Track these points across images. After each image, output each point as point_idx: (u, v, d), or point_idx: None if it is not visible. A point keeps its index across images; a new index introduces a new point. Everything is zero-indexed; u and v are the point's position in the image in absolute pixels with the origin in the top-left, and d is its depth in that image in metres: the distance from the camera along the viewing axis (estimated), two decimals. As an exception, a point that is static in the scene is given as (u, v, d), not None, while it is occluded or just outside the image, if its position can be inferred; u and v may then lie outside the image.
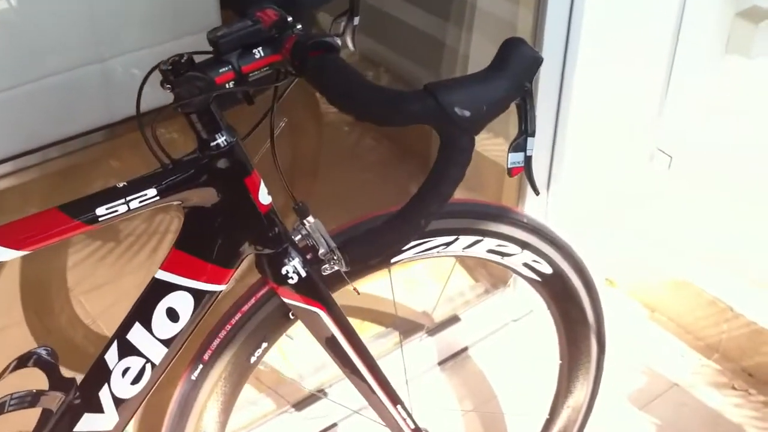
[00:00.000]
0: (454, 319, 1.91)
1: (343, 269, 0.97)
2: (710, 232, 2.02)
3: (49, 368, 1.03)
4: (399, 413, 1.23)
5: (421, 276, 2.04)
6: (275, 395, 1.71)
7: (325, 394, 1.71)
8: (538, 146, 1.74)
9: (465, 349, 1.95)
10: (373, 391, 1.19)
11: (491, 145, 1.91)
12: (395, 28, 2.54)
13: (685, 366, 1.93)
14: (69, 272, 2.06)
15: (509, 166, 0.89)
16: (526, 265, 1.27)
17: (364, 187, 2.37)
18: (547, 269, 1.29)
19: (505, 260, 1.25)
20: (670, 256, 2.02)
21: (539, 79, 1.65)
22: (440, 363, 1.93)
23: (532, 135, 0.88)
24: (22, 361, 1.02)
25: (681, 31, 1.86)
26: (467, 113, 0.81)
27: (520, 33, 1.70)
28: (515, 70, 0.84)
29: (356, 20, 1.10)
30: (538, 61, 0.84)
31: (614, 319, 1.54)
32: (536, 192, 0.94)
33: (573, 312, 1.35)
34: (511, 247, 1.24)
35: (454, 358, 1.94)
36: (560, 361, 1.44)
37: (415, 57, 2.50)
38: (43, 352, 1.03)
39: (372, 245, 0.91)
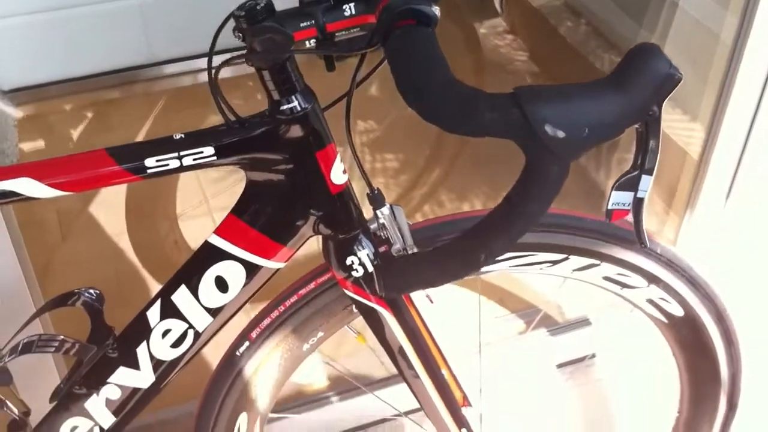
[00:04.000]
0: (583, 323, 1.71)
1: (380, 294, 0.81)
2: None
3: (94, 312, 0.97)
4: (464, 438, 1.08)
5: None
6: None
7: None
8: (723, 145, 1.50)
9: (591, 356, 1.75)
10: (436, 411, 1.04)
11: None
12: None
13: None
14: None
15: (610, 207, 0.69)
16: (650, 302, 1.06)
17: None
18: (678, 311, 1.06)
19: (625, 292, 1.04)
20: None
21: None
22: (560, 366, 1.74)
23: (650, 173, 0.67)
24: (64, 299, 0.96)
25: None
26: (561, 134, 0.62)
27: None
28: (639, 88, 0.63)
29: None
30: (673, 80, 0.63)
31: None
32: (643, 244, 0.73)
33: (703, 365, 1.13)
34: (634, 279, 1.03)
35: (576, 363, 1.74)
36: (677, 414, 1.22)
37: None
38: (90, 294, 0.97)
39: (412, 276, 0.74)
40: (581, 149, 0.64)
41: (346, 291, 0.95)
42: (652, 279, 1.03)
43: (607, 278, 1.02)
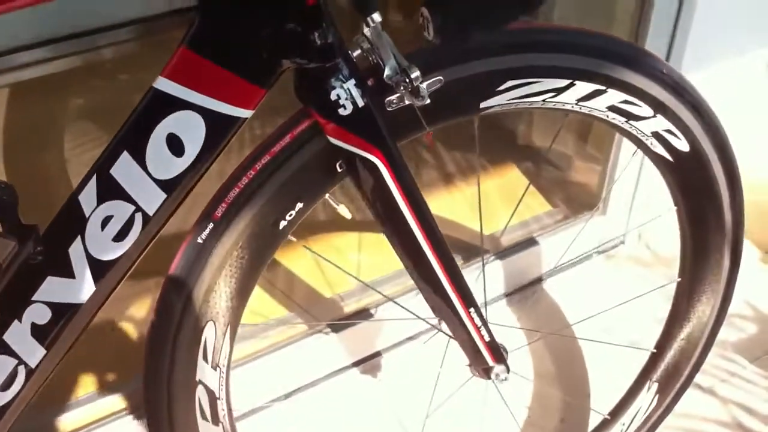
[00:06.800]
0: (530, 242, 1.59)
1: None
2: None
3: (5, 209, 0.74)
4: (472, 320, 0.92)
5: (490, 197, 1.73)
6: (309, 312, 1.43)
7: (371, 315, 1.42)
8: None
9: (539, 280, 1.63)
10: (439, 285, 0.88)
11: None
12: None
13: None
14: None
15: None
16: (657, 135, 0.94)
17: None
18: (683, 145, 0.96)
19: (630, 125, 0.93)
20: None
21: None
22: (508, 294, 1.61)
23: None
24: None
25: None
26: None
27: None
28: None
29: None
30: None
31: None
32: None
33: (707, 209, 1.02)
34: (642, 108, 0.91)
35: (524, 290, 1.62)
36: (679, 279, 1.12)
37: None
38: (-4, 189, 0.74)
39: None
40: None
41: (332, 139, 0.77)
42: (658, 107, 0.91)
43: (612, 107, 0.90)
